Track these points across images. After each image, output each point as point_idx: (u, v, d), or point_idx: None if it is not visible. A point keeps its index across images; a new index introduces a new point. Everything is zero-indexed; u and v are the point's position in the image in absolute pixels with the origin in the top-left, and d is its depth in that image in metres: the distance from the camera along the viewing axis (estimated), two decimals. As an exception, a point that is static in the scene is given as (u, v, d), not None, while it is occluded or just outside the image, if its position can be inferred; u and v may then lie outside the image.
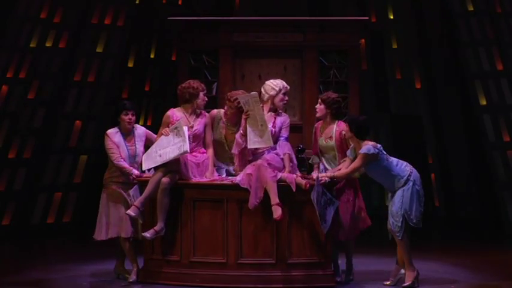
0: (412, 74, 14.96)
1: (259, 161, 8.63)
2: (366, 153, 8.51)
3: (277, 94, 8.90)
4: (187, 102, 9.05)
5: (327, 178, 8.54)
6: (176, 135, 8.81)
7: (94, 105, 13.99)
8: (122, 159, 9.01)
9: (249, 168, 8.64)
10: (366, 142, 8.60)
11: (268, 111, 8.92)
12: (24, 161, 13.37)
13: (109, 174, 9.13)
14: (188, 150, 8.70)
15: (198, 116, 9.07)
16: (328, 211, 8.51)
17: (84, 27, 13.90)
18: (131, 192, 8.89)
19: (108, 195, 9.08)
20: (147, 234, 8.65)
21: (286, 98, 8.96)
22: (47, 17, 13.49)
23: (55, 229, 13.52)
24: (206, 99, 9.13)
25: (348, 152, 8.79)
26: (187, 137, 8.74)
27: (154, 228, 8.67)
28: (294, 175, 8.62)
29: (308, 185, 8.46)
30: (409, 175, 8.68)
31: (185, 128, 8.80)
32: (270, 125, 8.78)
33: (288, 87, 8.99)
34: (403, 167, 8.71)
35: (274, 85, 8.93)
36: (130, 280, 9.00)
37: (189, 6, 14.64)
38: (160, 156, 8.83)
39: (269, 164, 8.57)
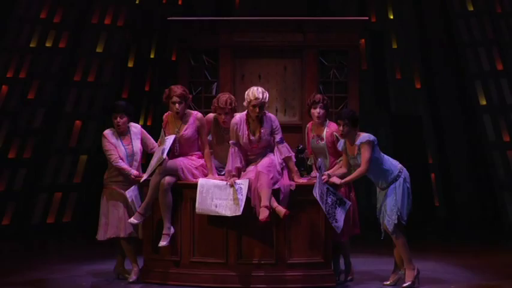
0: (412, 74, 14.96)
1: (258, 168, 8.55)
2: (368, 140, 8.50)
3: (247, 106, 8.67)
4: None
5: (326, 178, 8.54)
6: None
7: (94, 105, 13.99)
8: (121, 160, 9.01)
9: (247, 174, 8.62)
10: (361, 133, 8.60)
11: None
12: (24, 161, 13.37)
13: (108, 174, 9.13)
14: (164, 157, 8.63)
15: (185, 119, 8.93)
16: (338, 211, 8.50)
17: (84, 27, 13.91)
18: (129, 193, 8.90)
19: (107, 195, 9.08)
20: (163, 243, 8.63)
21: (257, 110, 8.58)
22: (47, 17, 13.49)
23: (55, 229, 13.53)
24: (177, 108, 8.80)
25: (339, 145, 8.77)
26: (168, 145, 8.70)
27: (164, 233, 8.66)
28: (289, 189, 8.58)
29: (288, 213, 8.38)
30: (400, 171, 8.67)
31: (170, 137, 8.79)
32: (254, 139, 8.66)
33: (259, 99, 8.54)
34: (394, 163, 8.71)
35: (247, 95, 8.64)
36: (131, 280, 8.99)
37: (189, 6, 14.64)
38: (151, 166, 8.86)
39: (268, 170, 8.52)
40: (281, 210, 8.40)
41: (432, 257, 10.74)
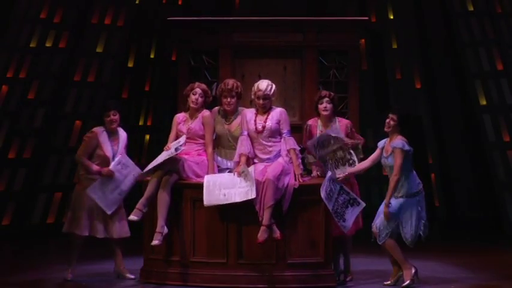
0: (412, 74, 14.96)
1: (268, 174, 8.53)
2: (402, 148, 8.60)
3: (254, 98, 8.98)
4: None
5: (342, 177, 8.60)
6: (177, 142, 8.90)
7: (94, 105, 13.99)
8: (86, 159, 9.08)
9: (258, 175, 8.61)
10: (400, 136, 8.66)
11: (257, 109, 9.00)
12: (24, 161, 13.37)
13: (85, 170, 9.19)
14: (182, 148, 8.76)
15: (197, 114, 9.09)
16: (348, 211, 8.52)
17: (84, 27, 13.91)
18: (92, 193, 8.94)
19: (84, 192, 9.10)
20: (156, 241, 8.61)
21: (261, 101, 8.90)
22: (47, 17, 13.50)
23: (55, 229, 13.50)
24: (197, 99, 9.07)
25: (380, 143, 8.84)
26: (182, 142, 8.82)
27: (157, 231, 8.63)
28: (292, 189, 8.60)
29: (280, 238, 8.44)
30: (420, 191, 8.71)
31: (181, 138, 8.88)
32: (261, 123, 8.83)
33: (262, 91, 8.89)
34: (418, 181, 8.76)
35: (253, 88, 8.98)
36: (68, 278, 9.07)
37: (189, 6, 14.64)
38: (156, 160, 8.87)
39: (277, 179, 8.50)
40: (276, 231, 8.44)
41: (432, 257, 10.74)
